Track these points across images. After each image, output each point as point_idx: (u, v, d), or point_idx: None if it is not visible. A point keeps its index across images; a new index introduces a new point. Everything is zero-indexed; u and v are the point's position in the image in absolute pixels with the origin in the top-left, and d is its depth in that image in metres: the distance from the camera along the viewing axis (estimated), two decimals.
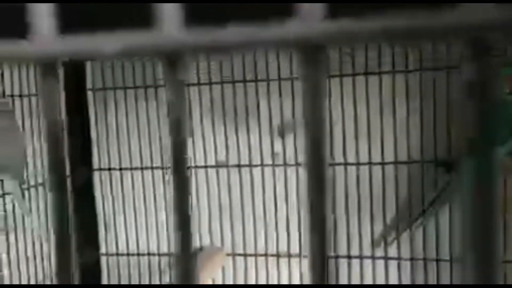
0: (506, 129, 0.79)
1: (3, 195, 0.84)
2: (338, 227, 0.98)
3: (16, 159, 0.69)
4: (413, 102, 0.92)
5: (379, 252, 0.97)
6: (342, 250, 0.98)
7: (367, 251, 0.97)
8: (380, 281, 0.97)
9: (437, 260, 0.93)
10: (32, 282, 0.96)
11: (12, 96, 0.91)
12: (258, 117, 1.00)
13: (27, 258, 0.94)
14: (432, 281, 0.94)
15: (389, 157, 0.94)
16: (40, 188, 0.97)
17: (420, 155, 0.93)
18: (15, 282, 0.91)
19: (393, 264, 0.96)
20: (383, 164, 0.94)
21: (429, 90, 0.90)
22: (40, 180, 0.96)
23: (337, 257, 0.98)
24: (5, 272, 0.86)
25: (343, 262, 0.99)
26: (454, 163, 0.86)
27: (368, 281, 0.97)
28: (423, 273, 0.94)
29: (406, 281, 0.96)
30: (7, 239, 0.87)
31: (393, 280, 0.96)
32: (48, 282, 1.01)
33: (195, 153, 1.02)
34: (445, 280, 0.93)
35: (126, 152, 1.07)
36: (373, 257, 0.97)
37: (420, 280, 0.94)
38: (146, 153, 1.06)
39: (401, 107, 0.92)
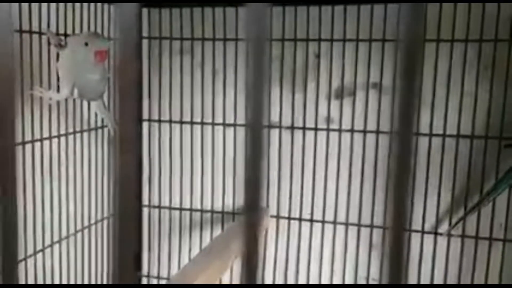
0: None
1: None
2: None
3: (96, 83, 0.82)
4: (484, 74, 0.88)
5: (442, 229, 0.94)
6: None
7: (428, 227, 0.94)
8: (441, 256, 0.94)
9: (504, 241, 0.90)
10: None
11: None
12: (317, 78, 0.96)
13: None
14: (494, 260, 0.91)
15: (452, 129, 0.90)
16: None
17: (485, 131, 0.89)
18: None
19: (455, 241, 0.93)
20: (444, 136, 0.91)
21: (503, 63, 0.86)
22: None
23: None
24: None
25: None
26: None
27: (429, 255, 0.95)
28: (487, 252, 0.91)
29: (468, 258, 0.93)
30: None
31: (454, 257, 0.93)
32: None
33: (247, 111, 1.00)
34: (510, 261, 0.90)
35: (177, 105, 1.05)
36: (435, 233, 0.93)
37: (483, 259, 0.91)
38: (197, 108, 1.04)
39: (471, 78, 0.88)
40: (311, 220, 1.00)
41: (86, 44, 0.79)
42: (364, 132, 0.95)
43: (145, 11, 1.02)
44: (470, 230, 0.92)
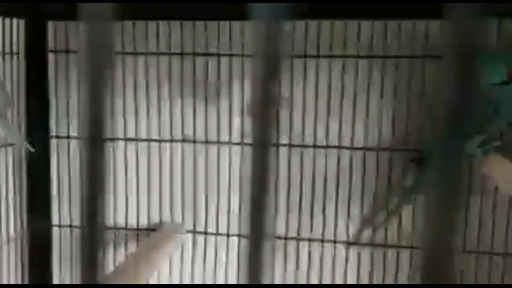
0: (476, 123, 0.76)
1: None
2: (303, 210, 0.95)
3: None
4: (387, 89, 0.89)
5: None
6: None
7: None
8: (353, 266, 0.95)
9: (412, 248, 0.92)
10: None
11: None
12: (230, 94, 0.96)
13: None
14: (406, 270, 0.92)
15: (359, 142, 0.92)
16: None
17: (390, 144, 0.90)
18: None
19: (365, 251, 0.94)
20: (352, 148, 0.92)
21: (405, 78, 0.88)
22: None
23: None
24: None
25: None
26: (426, 158, 0.84)
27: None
28: (395, 261, 0.93)
29: (378, 269, 0.94)
30: None
31: (365, 267, 0.94)
32: None
33: (161, 126, 0.98)
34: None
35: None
36: (348, 243, 0.94)
37: (391, 269, 0.93)
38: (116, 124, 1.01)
39: (375, 93, 0.90)
40: (228, 235, 0.99)
41: None
42: (277, 146, 0.95)
43: (50, 24, 0.98)
44: (378, 239, 0.93)
